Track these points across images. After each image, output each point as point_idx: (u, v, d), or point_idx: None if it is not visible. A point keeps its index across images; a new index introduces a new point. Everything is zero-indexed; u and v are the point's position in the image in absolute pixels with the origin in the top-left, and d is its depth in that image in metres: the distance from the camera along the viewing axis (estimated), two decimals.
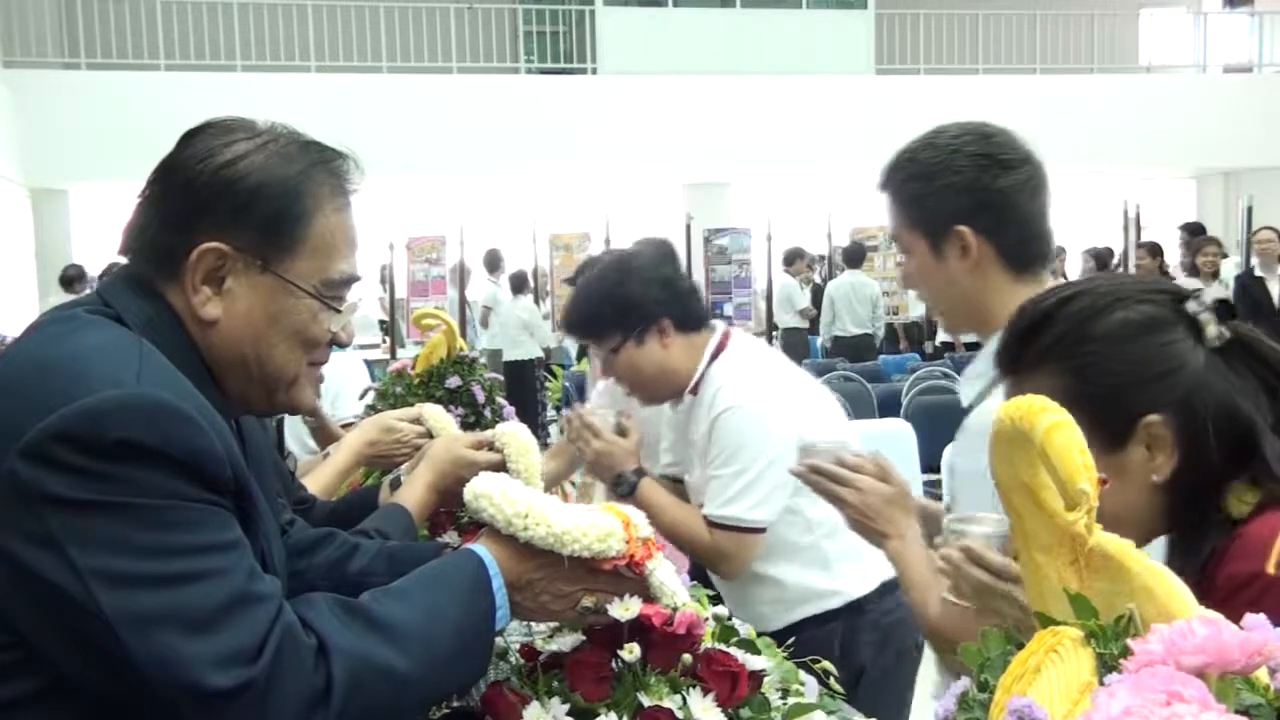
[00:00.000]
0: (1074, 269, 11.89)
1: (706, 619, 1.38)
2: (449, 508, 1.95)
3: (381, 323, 10.66)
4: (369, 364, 5.37)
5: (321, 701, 1.06)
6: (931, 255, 1.76)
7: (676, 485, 2.63)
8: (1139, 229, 10.91)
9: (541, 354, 10.61)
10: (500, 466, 1.80)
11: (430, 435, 2.25)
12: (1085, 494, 0.96)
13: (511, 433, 1.92)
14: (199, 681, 1.01)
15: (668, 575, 1.29)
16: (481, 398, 2.56)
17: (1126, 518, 1.19)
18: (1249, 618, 0.83)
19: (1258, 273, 8.09)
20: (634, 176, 15.27)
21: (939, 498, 2.06)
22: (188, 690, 1.01)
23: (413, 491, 1.84)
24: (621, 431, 2.47)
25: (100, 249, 12.05)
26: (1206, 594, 1.13)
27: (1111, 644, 0.87)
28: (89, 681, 1.05)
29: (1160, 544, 1.29)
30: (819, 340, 11.26)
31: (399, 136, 12.88)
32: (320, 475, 2.26)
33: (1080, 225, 15.45)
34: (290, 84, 13.49)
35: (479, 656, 1.22)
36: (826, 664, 1.53)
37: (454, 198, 14.34)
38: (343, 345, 1.31)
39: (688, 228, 10.31)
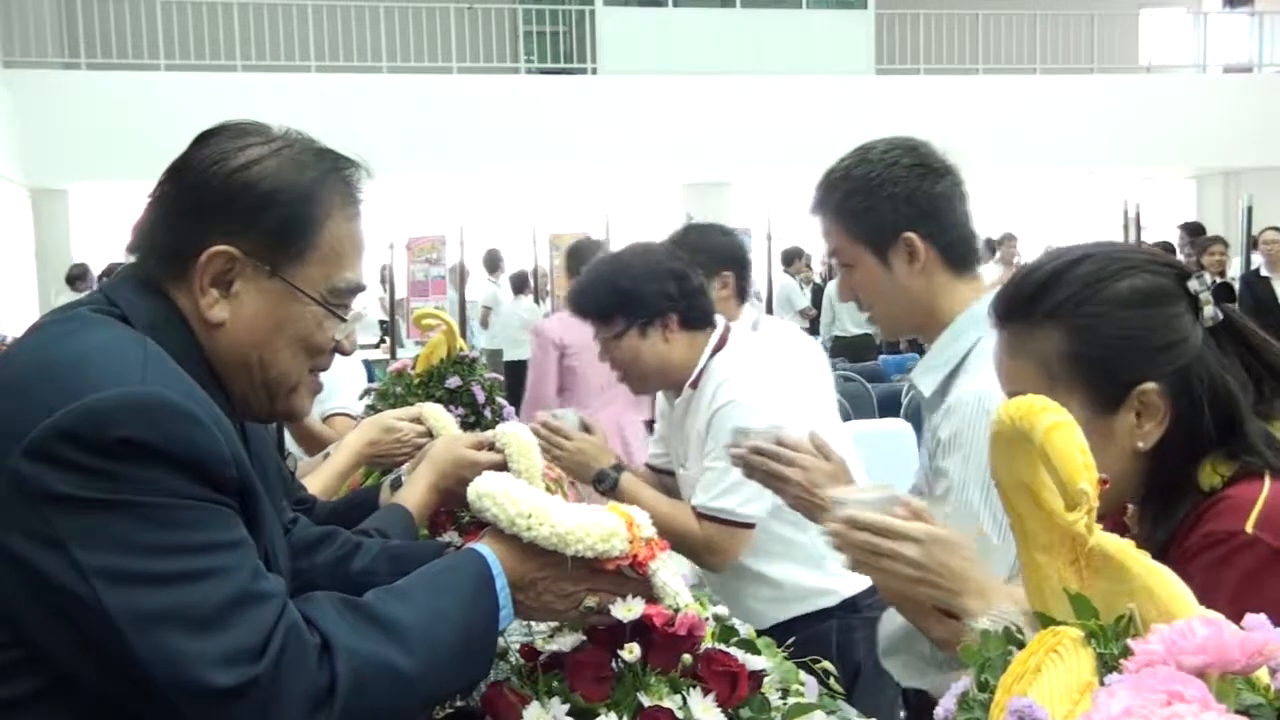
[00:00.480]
0: None
1: (707, 619, 1.38)
2: (449, 508, 1.95)
3: (381, 323, 10.65)
4: (369, 364, 5.36)
5: (325, 700, 1.06)
6: (878, 265, 1.83)
7: (658, 476, 2.68)
8: (1139, 229, 10.91)
9: None
10: (501, 467, 1.81)
11: (431, 435, 2.25)
12: (1085, 494, 0.96)
13: (512, 433, 1.92)
14: (202, 680, 1.01)
15: (671, 576, 1.29)
16: (481, 398, 2.56)
17: None
18: (1249, 618, 0.83)
19: (1263, 272, 8.08)
20: (634, 176, 15.27)
21: None
22: (191, 689, 1.01)
23: (413, 492, 1.84)
24: (586, 429, 2.48)
25: (100, 249, 12.06)
26: (1178, 557, 1.15)
27: (1112, 644, 0.87)
28: (90, 681, 1.05)
29: None
30: (819, 340, 11.26)
31: (399, 136, 12.87)
32: (320, 475, 2.26)
33: (1080, 225, 15.45)
34: (290, 84, 13.48)
35: (482, 656, 1.22)
36: (826, 664, 1.54)
37: (454, 198, 14.34)
38: (346, 353, 1.31)
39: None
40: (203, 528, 1.06)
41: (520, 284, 11.12)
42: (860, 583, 2.35)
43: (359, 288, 1.29)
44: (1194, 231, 9.99)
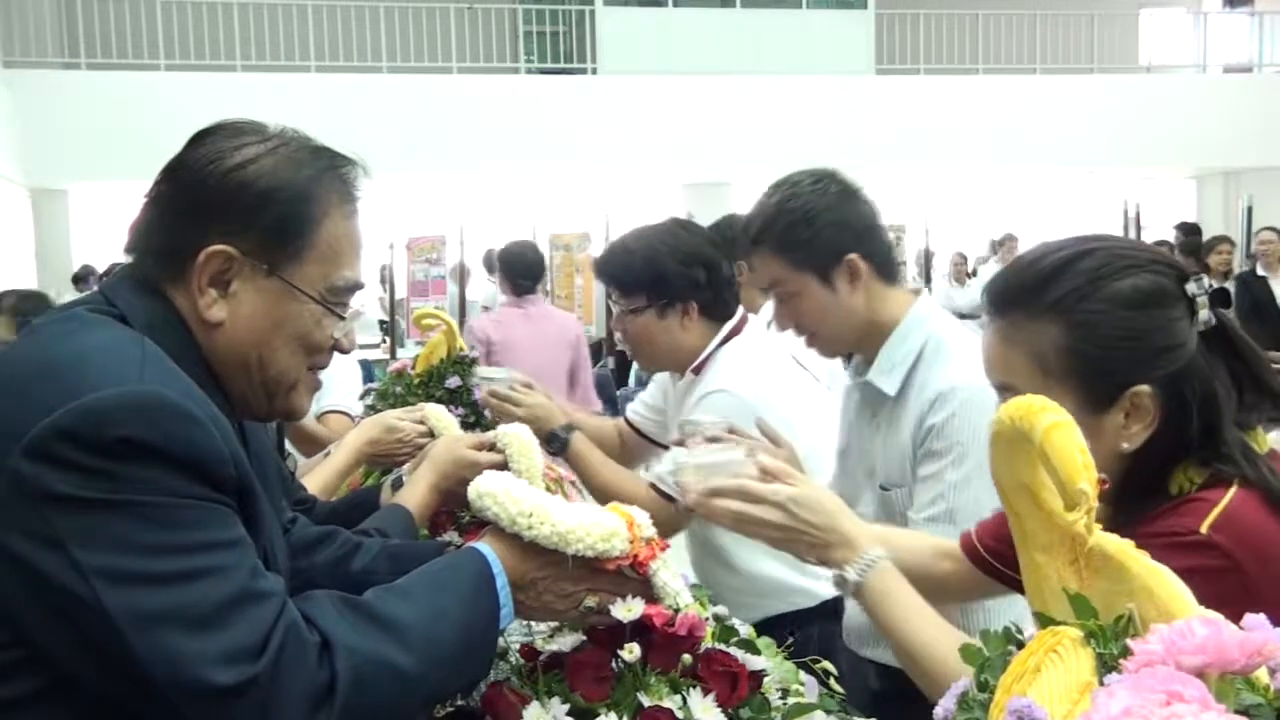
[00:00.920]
0: None
1: (706, 619, 1.38)
2: (450, 508, 1.95)
3: (381, 323, 10.65)
4: (369, 364, 5.36)
5: (325, 699, 1.06)
6: (823, 289, 1.94)
7: (634, 433, 2.71)
8: (1139, 229, 10.91)
9: None
10: (502, 467, 1.80)
11: (432, 435, 2.25)
12: (1085, 494, 0.96)
13: (513, 433, 1.92)
14: (202, 679, 1.01)
15: (671, 576, 1.29)
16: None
17: None
18: (1249, 618, 0.83)
19: (1260, 272, 8.08)
20: (634, 176, 15.26)
21: None
22: (191, 688, 1.01)
23: (414, 492, 1.84)
24: (528, 386, 2.47)
25: (100, 249, 12.07)
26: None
27: (1111, 644, 0.87)
28: (90, 681, 1.05)
29: None
30: None
31: (399, 136, 12.87)
32: (320, 474, 2.26)
33: (1080, 225, 15.45)
34: (290, 84, 13.48)
35: (483, 655, 1.22)
36: (826, 664, 1.54)
37: (454, 198, 14.34)
38: (345, 351, 1.31)
39: None
40: (202, 527, 1.06)
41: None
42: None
43: (357, 286, 1.28)
44: (1188, 231, 9.98)
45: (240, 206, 1.19)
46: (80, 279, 10.89)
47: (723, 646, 1.33)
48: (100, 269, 10.73)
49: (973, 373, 1.82)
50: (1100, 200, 16.24)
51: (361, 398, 2.81)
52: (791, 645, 1.54)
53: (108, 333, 1.14)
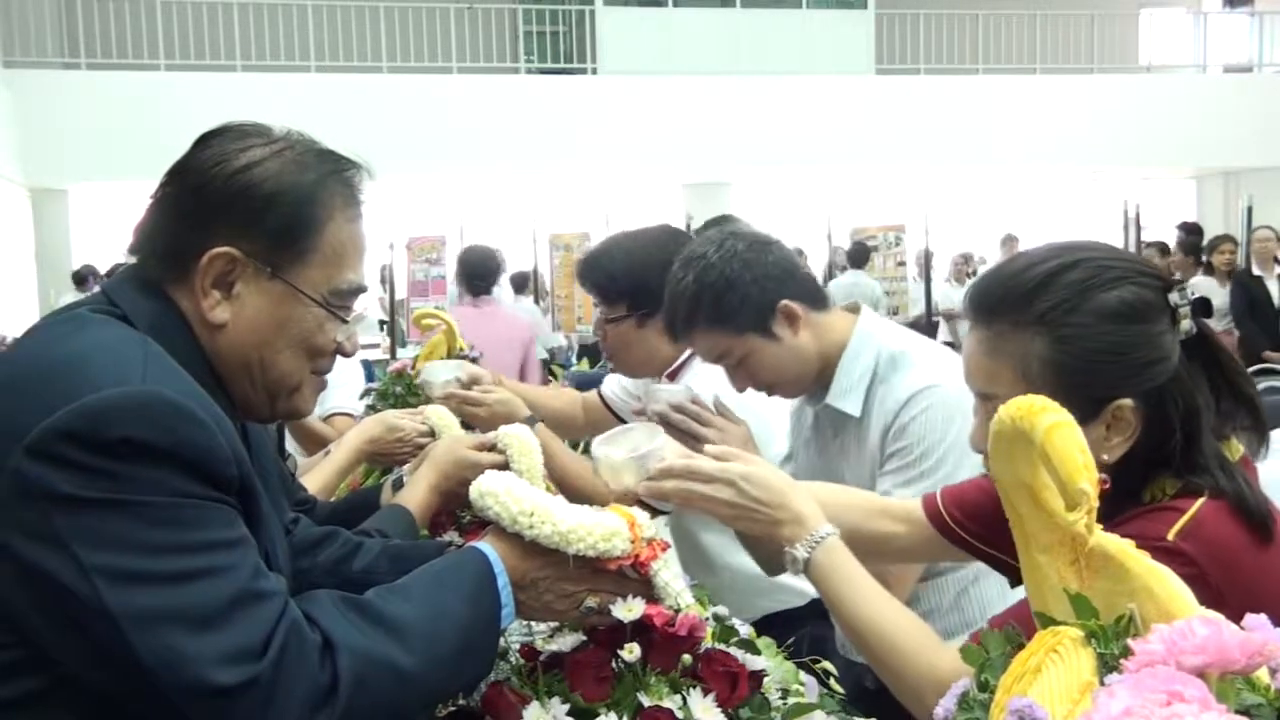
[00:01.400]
0: None
1: (706, 619, 1.38)
2: (451, 509, 1.95)
3: (381, 323, 10.65)
4: (369, 364, 5.38)
5: (327, 698, 1.06)
6: (768, 343, 1.96)
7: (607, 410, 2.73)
8: (1139, 229, 10.91)
9: (546, 355, 10.60)
10: (503, 468, 1.80)
11: (433, 435, 2.25)
12: (1085, 494, 0.96)
13: (514, 434, 1.93)
14: (204, 678, 1.01)
15: (672, 576, 1.29)
16: None
17: None
18: (1249, 618, 0.83)
19: (1256, 272, 8.07)
20: (634, 176, 15.27)
21: None
22: (193, 687, 1.01)
23: (415, 492, 1.84)
24: (477, 379, 2.48)
25: (100, 249, 12.08)
26: None
27: (1112, 644, 0.87)
28: (91, 681, 1.05)
29: None
30: None
31: (399, 136, 12.87)
32: (320, 473, 2.26)
33: (1080, 225, 15.45)
34: (290, 84, 13.49)
35: (484, 654, 1.22)
36: (827, 664, 1.54)
37: (454, 198, 14.35)
38: (347, 354, 1.31)
39: (688, 228, 10.31)
40: (204, 526, 1.06)
41: (521, 284, 11.11)
42: None
43: (360, 289, 1.29)
44: (1189, 231, 9.97)
45: (245, 209, 1.20)
46: (81, 279, 10.90)
47: (723, 646, 1.33)
48: (101, 269, 10.75)
49: (927, 376, 1.89)
50: (1100, 200, 16.24)
51: (361, 397, 2.81)
52: (791, 645, 1.55)
53: (110, 333, 1.14)
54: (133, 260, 1.25)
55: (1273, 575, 1.17)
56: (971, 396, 1.77)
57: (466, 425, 2.40)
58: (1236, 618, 0.84)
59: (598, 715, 1.23)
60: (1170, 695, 0.75)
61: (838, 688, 1.51)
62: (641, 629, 1.26)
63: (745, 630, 1.44)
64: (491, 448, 1.91)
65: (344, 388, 3.34)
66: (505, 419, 2.35)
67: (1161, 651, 0.80)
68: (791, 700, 1.38)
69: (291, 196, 1.21)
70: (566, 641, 1.32)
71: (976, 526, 1.52)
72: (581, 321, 10.81)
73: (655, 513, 1.37)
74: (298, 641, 1.06)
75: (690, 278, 1.97)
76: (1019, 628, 0.98)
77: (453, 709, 1.37)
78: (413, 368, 2.66)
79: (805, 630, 2.30)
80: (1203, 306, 1.29)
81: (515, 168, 14.37)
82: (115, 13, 14.01)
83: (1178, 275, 8.37)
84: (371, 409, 2.60)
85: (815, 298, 2.01)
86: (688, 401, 2.00)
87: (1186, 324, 1.25)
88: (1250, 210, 9.56)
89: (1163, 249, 9.68)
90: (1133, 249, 10.73)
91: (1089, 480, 0.96)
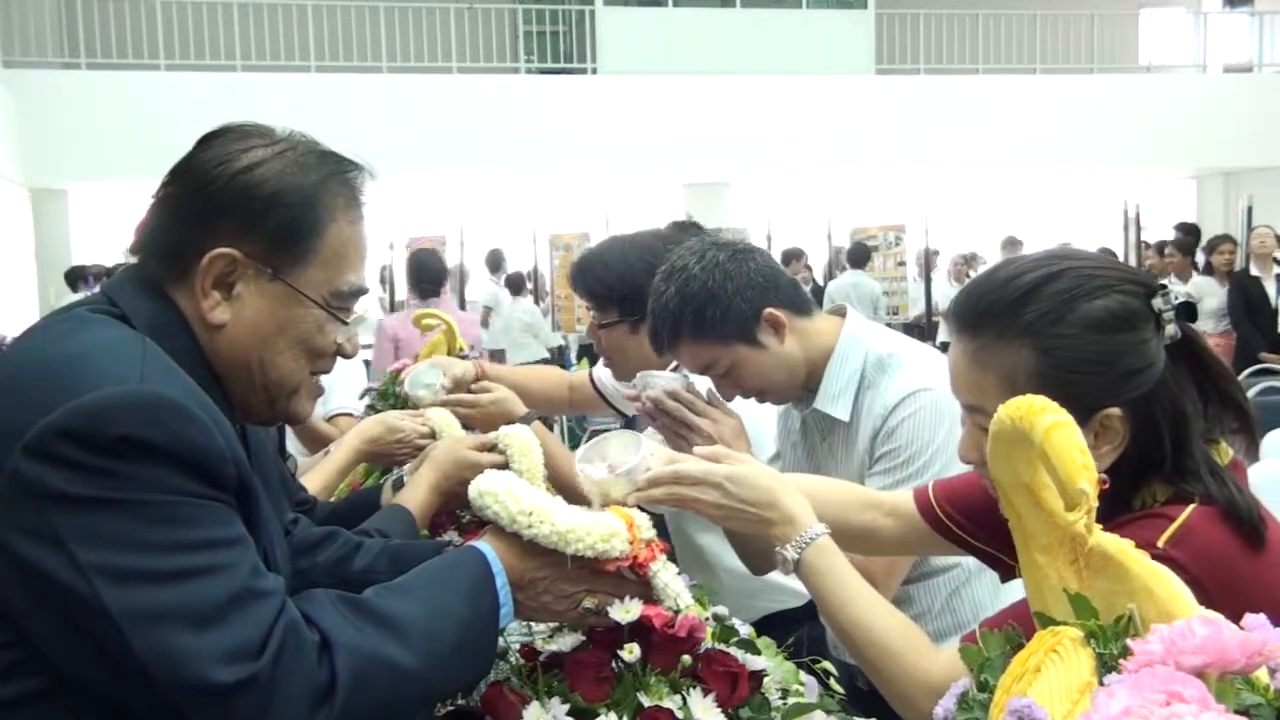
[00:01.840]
0: None
1: (706, 619, 1.38)
2: (451, 509, 1.95)
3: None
4: (369, 364, 5.41)
5: (325, 697, 1.06)
6: (754, 351, 1.95)
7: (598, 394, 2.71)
8: (1139, 229, 10.92)
9: (546, 355, 10.61)
10: (503, 468, 1.80)
11: (433, 436, 2.25)
12: (1085, 494, 0.96)
13: (514, 434, 1.93)
14: (203, 677, 1.01)
15: (672, 577, 1.29)
16: None
17: None
18: (1249, 618, 0.83)
19: (1254, 271, 8.07)
20: (634, 176, 15.27)
21: None
22: (192, 686, 1.01)
23: (415, 493, 1.84)
24: (477, 376, 2.49)
25: (100, 249, 12.08)
26: None
27: (1111, 644, 0.87)
28: (90, 681, 1.06)
29: None
30: None
31: (399, 136, 12.87)
32: (320, 472, 2.26)
33: (1080, 225, 15.45)
34: (290, 84, 13.48)
35: (483, 653, 1.22)
36: (827, 664, 1.54)
37: (454, 198, 14.35)
38: (348, 356, 1.31)
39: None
40: (202, 525, 1.06)
41: (518, 285, 11.11)
42: None
43: (361, 291, 1.29)
44: (1187, 232, 9.97)
45: (246, 210, 1.20)
46: (76, 278, 10.88)
47: (723, 647, 1.33)
48: (94, 270, 10.75)
49: (916, 380, 1.89)
50: (1100, 200, 16.24)
51: (361, 397, 2.81)
52: (791, 645, 1.55)
53: (108, 332, 1.14)
54: (134, 260, 1.25)
55: (1265, 580, 1.17)
56: None
57: (467, 426, 2.39)
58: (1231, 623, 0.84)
59: (598, 715, 1.23)
60: (1170, 695, 0.75)
61: (838, 688, 1.51)
62: (641, 629, 1.26)
63: (745, 630, 1.44)
64: (492, 448, 1.91)
65: (347, 388, 3.34)
66: (503, 417, 2.35)
67: (1161, 652, 0.80)
68: (791, 700, 1.38)
69: (293, 198, 1.21)
70: (566, 641, 1.32)
71: (967, 521, 1.52)
72: (580, 322, 10.81)
73: (650, 514, 1.37)
74: (296, 640, 1.06)
75: (672, 290, 1.96)
76: (1018, 628, 0.98)
77: (452, 708, 1.37)
78: (414, 361, 2.66)
79: (805, 630, 2.30)
80: (1187, 311, 1.29)
81: (515, 168, 14.37)
82: (115, 13, 14.01)
83: (1174, 276, 8.39)
84: (371, 409, 2.60)
85: (799, 304, 2.01)
86: (683, 390, 2.00)
87: (1171, 329, 1.25)
88: (1250, 210, 9.57)
89: (1160, 249, 9.68)
90: (1133, 249, 10.75)
91: (1088, 480, 0.96)
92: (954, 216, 15.20)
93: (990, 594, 1.95)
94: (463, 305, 9.97)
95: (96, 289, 1.39)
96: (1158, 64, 17.71)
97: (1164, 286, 1.29)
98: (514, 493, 1.25)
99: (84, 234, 13.95)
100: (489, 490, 1.25)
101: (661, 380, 2.03)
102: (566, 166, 14.54)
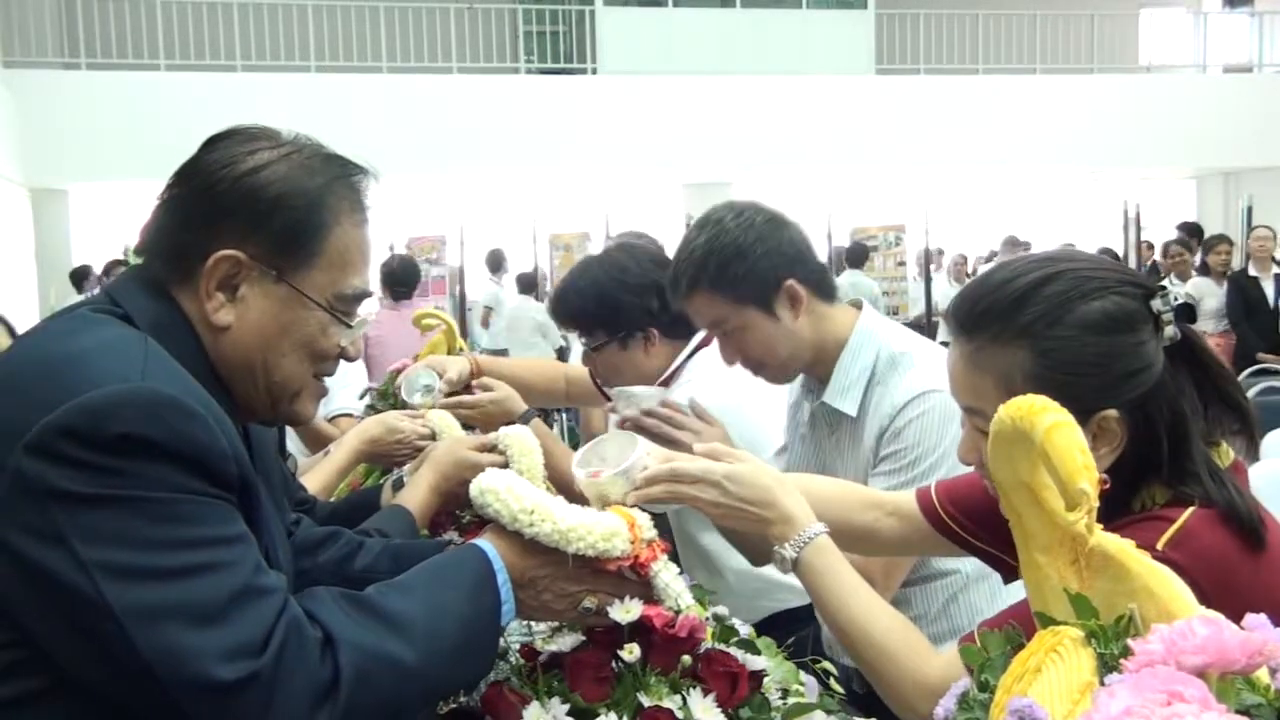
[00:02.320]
0: None
1: (706, 619, 1.38)
2: (451, 509, 1.95)
3: None
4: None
5: (329, 694, 1.07)
6: (767, 319, 1.95)
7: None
8: (1139, 229, 10.92)
9: (553, 355, 10.60)
10: (503, 469, 1.80)
11: (433, 437, 2.25)
12: (1085, 494, 0.96)
13: (515, 435, 1.93)
14: (205, 674, 1.01)
15: (672, 577, 1.29)
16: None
17: None
18: (1249, 618, 0.83)
19: (1252, 272, 8.06)
20: (634, 176, 15.27)
21: None
22: (194, 683, 1.01)
23: (415, 493, 1.84)
24: (475, 374, 2.49)
25: (100, 249, 12.07)
26: None
27: (1112, 644, 0.87)
28: (90, 680, 1.05)
29: None
30: None
31: (399, 136, 12.87)
32: (320, 472, 2.26)
33: (1080, 225, 15.45)
34: (290, 84, 13.49)
35: (484, 651, 1.22)
36: (826, 664, 1.54)
37: (454, 198, 14.35)
38: (350, 359, 1.32)
39: (687, 227, 10.30)
40: (204, 522, 1.06)
41: (529, 284, 11.10)
42: None
43: (365, 294, 1.29)
44: (1189, 232, 9.98)
45: (252, 212, 1.20)
46: (80, 278, 10.90)
47: (723, 647, 1.33)
48: (98, 269, 10.75)
49: (926, 381, 1.88)
50: (1100, 200, 16.25)
51: (361, 397, 2.81)
52: (791, 645, 1.55)
53: (110, 331, 1.14)
54: (138, 260, 1.25)
55: (1264, 583, 1.17)
56: None
57: (467, 426, 2.39)
58: None
59: (598, 715, 1.23)
60: (1170, 695, 0.75)
61: (838, 688, 1.51)
62: (642, 629, 1.26)
63: (745, 630, 1.44)
64: (492, 448, 1.91)
65: (348, 389, 3.34)
66: (503, 416, 2.35)
67: (1161, 651, 0.80)
68: (791, 700, 1.38)
69: (298, 200, 1.21)
70: (566, 641, 1.32)
71: (970, 521, 1.52)
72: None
73: (652, 515, 1.37)
74: (298, 637, 1.07)
75: (702, 239, 1.96)
76: (1018, 628, 0.98)
77: (453, 707, 1.37)
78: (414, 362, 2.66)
79: (806, 630, 2.30)
80: (1186, 312, 1.29)
81: (515, 168, 14.37)
82: (115, 13, 14.01)
83: (1173, 276, 8.39)
84: (372, 409, 2.60)
85: (823, 287, 1.99)
86: (658, 405, 1.99)
87: (1170, 330, 1.25)
88: (1250, 210, 9.57)
89: (1166, 249, 9.68)
90: (1133, 249, 10.75)
91: (1089, 480, 0.96)
92: (954, 216, 15.21)
93: (988, 600, 1.95)
94: (463, 305, 9.97)
95: (97, 290, 1.39)
96: (1158, 64, 17.72)
97: (1163, 288, 1.28)
98: (515, 491, 1.25)
99: (84, 234, 13.94)
100: (490, 488, 1.25)
101: (637, 398, 2.03)
102: (566, 166, 14.54)
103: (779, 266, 1.93)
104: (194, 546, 1.04)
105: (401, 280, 6.74)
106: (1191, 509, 1.20)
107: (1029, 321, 1.25)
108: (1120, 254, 11.02)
